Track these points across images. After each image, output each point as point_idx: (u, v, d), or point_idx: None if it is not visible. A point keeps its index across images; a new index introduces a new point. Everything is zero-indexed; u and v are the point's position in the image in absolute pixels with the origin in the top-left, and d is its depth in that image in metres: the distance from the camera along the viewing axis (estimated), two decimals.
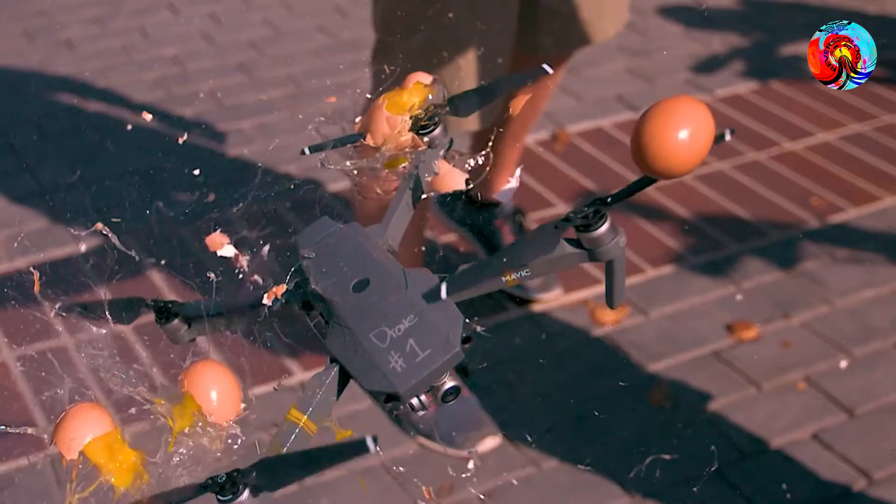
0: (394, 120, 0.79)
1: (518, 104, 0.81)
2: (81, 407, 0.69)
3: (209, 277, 0.77)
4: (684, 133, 0.70)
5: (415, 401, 0.68)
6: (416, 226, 2.11)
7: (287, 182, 2.78)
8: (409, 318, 0.69)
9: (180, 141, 2.33)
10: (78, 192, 2.76)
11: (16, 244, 2.54)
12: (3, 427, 0.73)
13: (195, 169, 2.76)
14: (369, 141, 0.81)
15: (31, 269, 0.75)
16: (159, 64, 3.44)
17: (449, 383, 0.69)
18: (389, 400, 0.68)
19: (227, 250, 0.78)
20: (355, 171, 0.81)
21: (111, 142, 2.99)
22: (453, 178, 0.80)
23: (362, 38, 3.30)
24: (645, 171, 0.72)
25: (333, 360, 0.70)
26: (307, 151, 0.83)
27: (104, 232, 0.77)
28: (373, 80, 2.01)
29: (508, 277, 0.73)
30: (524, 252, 0.70)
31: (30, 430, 0.71)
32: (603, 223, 0.71)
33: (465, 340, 0.69)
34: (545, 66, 0.77)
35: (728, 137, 0.72)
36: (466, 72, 1.88)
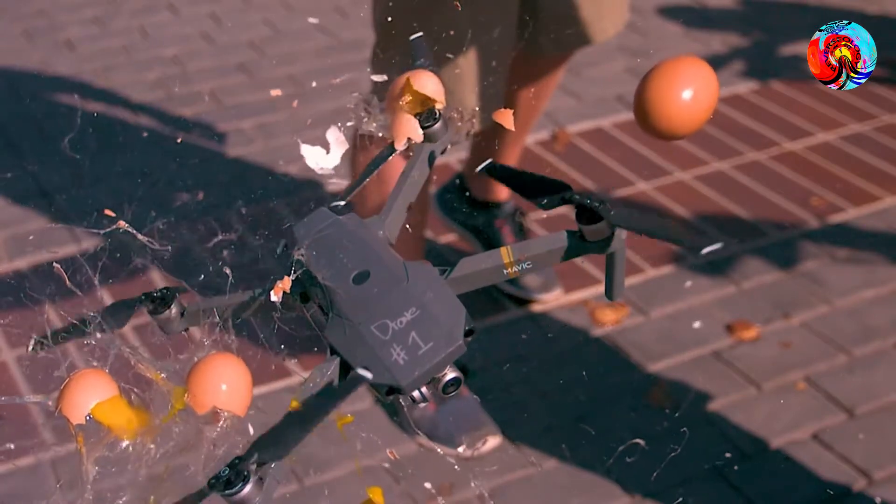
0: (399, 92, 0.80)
1: (503, 116, 0.80)
2: (85, 373, 0.70)
3: (211, 274, 0.77)
4: (688, 93, 0.69)
5: (415, 393, 0.68)
6: (416, 223, 2.11)
7: (287, 182, 2.78)
8: (410, 311, 0.69)
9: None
10: (78, 192, 2.76)
11: (31, 238, 2.54)
12: (8, 399, 0.74)
13: (194, 169, 2.77)
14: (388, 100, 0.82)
15: (55, 264, 0.75)
16: (159, 64, 3.44)
17: (450, 375, 0.69)
18: (391, 392, 0.68)
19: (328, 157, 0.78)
20: (380, 134, 0.83)
21: (111, 142, 2.99)
22: (409, 126, 0.80)
23: (362, 38, 3.30)
24: (648, 132, 0.71)
25: (333, 352, 0.70)
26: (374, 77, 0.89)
27: (126, 228, 0.77)
28: (373, 81, 2.01)
29: (510, 269, 0.73)
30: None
31: (35, 399, 0.71)
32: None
33: (468, 333, 0.68)
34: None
35: (709, 249, 0.69)
36: (466, 72, 1.88)
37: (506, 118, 0.79)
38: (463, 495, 1.94)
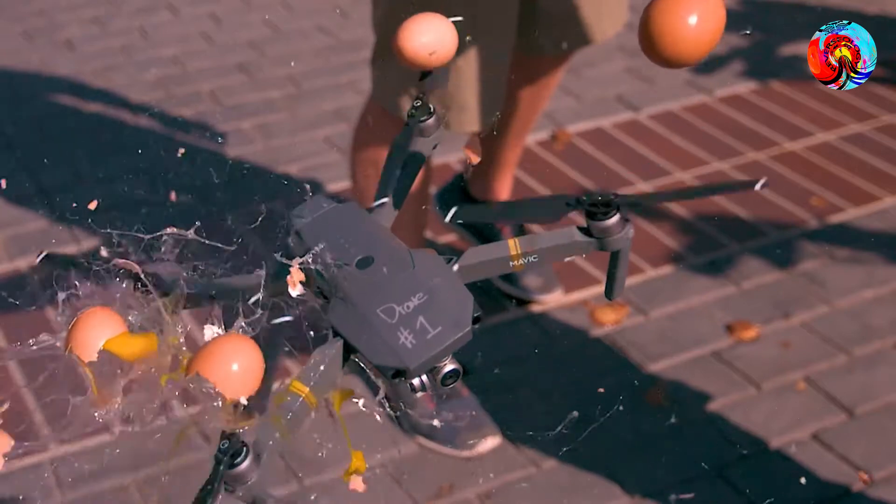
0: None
1: (472, 153, 0.79)
2: (92, 311, 0.70)
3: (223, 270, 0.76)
4: (693, 18, 0.68)
5: (416, 381, 0.68)
6: (416, 222, 2.11)
7: (287, 182, 2.78)
8: (418, 296, 0.69)
9: (180, 153, 2.32)
10: (78, 192, 2.76)
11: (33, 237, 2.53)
12: (27, 344, 0.74)
13: (193, 169, 2.77)
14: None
15: (103, 252, 0.75)
16: (159, 64, 3.44)
17: (449, 366, 0.69)
18: (397, 376, 0.67)
19: None
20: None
21: (111, 142, 2.99)
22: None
23: (362, 38, 3.30)
24: (654, 59, 0.70)
25: (336, 336, 0.70)
26: None
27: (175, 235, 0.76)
28: (373, 82, 2.01)
29: (516, 262, 0.73)
30: (528, 208, 0.70)
31: (48, 339, 0.72)
32: (614, 213, 0.71)
33: (475, 321, 0.68)
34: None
35: (759, 187, 0.71)
36: (467, 73, 1.88)
37: (472, 151, 0.78)
38: (463, 495, 1.94)
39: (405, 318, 0.68)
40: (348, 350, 0.69)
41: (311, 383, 0.68)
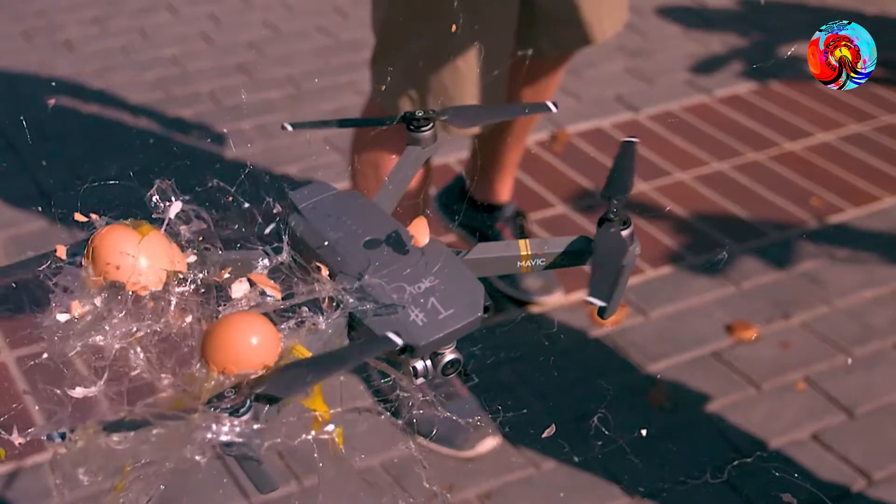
0: None
1: (417, 226, 0.77)
2: (109, 230, 0.71)
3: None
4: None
5: (419, 365, 0.68)
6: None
7: (286, 182, 2.77)
8: (429, 279, 0.68)
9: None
10: (78, 192, 2.75)
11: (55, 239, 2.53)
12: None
13: (193, 169, 2.76)
14: None
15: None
16: (159, 64, 3.44)
17: (451, 355, 0.69)
18: (403, 352, 0.67)
19: None
20: None
21: (111, 142, 2.99)
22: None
23: (362, 38, 3.30)
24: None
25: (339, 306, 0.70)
26: None
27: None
28: (373, 83, 2.01)
29: (524, 263, 0.73)
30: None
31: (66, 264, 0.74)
32: (627, 227, 0.71)
33: (485, 310, 0.68)
34: (551, 105, 0.79)
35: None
36: (467, 75, 1.87)
37: (419, 229, 0.77)
38: (463, 495, 1.93)
39: (416, 298, 0.68)
40: (353, 325, 0.69)
41: (315, 351, 0.67)
